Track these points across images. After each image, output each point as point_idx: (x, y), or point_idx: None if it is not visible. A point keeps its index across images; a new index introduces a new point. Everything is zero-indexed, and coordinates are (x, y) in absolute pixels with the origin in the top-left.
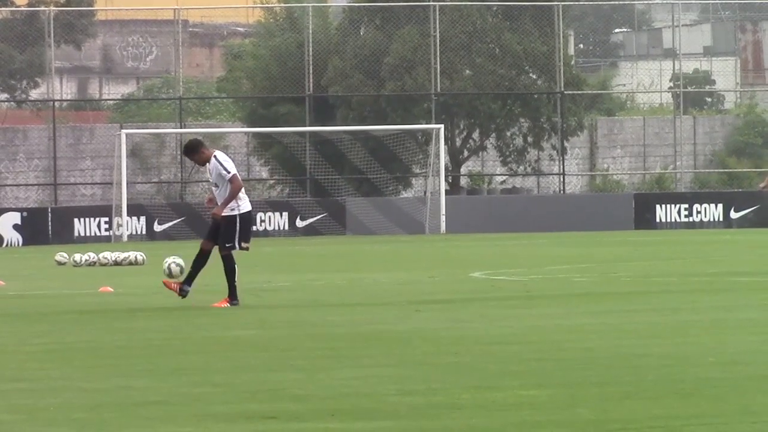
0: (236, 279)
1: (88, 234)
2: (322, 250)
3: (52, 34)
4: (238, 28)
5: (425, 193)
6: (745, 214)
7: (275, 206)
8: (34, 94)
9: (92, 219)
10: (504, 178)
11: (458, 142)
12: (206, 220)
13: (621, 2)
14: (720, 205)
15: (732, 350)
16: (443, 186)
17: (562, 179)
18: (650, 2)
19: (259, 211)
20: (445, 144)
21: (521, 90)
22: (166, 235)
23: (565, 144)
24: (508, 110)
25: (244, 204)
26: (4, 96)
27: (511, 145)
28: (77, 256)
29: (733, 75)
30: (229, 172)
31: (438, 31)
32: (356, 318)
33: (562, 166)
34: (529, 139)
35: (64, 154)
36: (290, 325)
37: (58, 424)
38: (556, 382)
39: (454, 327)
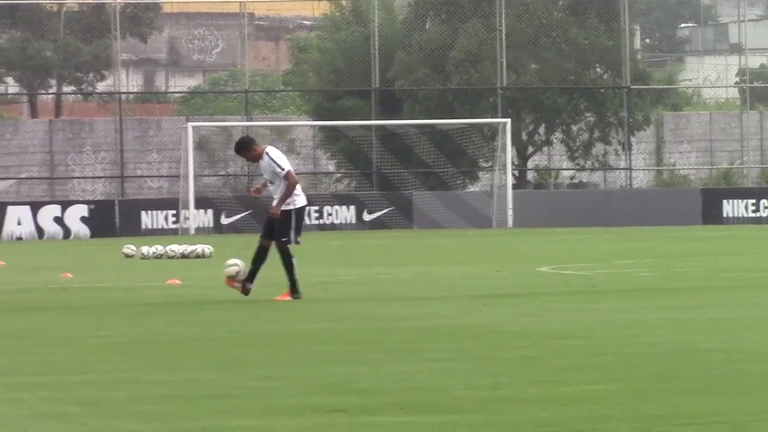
0: (295, 272)
1: (155, 226)
2: (388, 244)
3: (118, 27)
4: (304, 21)
5: (492, 187)
6: None
7: (342, 200)
8: (101, 86)
9: (159, 212)
10: (571, 172)
11: (524, 136)
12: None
13: None
14: None
15: None
16: (510, 180)
17: (629, 174)
18: None
19: (326, 205)
20: (511, 138)
21: (587, 84)
22: (233, 228)
23: (632, 139)
24: (574, 105)
25: (299, 199)
26: (70, 88)
27: (578, 140)
28: (145, 249)
29: None
30: (283, 169)
31: (504, 25)
32: (422, 312)
33: (628, 161)
34: (596, 133)
35: (131, 147)
36: (357, 318)
37: (123, 417)
38: (623, 377)
39: (521, 321)
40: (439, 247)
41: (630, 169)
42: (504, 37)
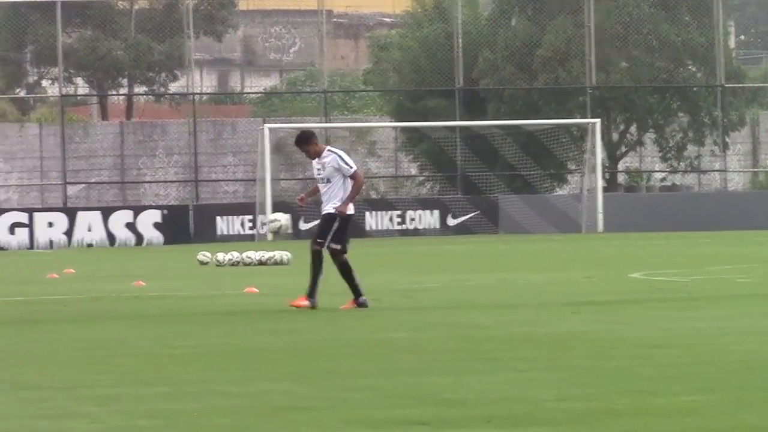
0: (318, 279)
1: (230, 232)
2: (473, 250)
3: (191, 25)
4: (385, 19)
5: (581, 190)
6: None
7: (426, 204)
8: (173, 87)
9: (235, 217)
10: (663, 174)
11: (615, 137)
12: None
13: None
14: None
15: None
16: (600, 183)
17: (723, 176)
18: None
19: (409, 209)
20: (601, 139)
21: (680, 83)
22: (311, 234)
23: (726, 139)
24: (666, 104)
25: (350, 206)
26: (142, 89)
27: (671, 141)
28: (220, 256)
29: None
30: (351, 167)
31: (593, 21)
32: (509, 320)
33: (723, 163)
34: (689, 134)
35: (205, 150)
36: (441, 327)
37: (199, 430)
38: (719, 387)
39: (612, 329)
40: (526, 252)
41: (725, 171)
42: (592, 34)
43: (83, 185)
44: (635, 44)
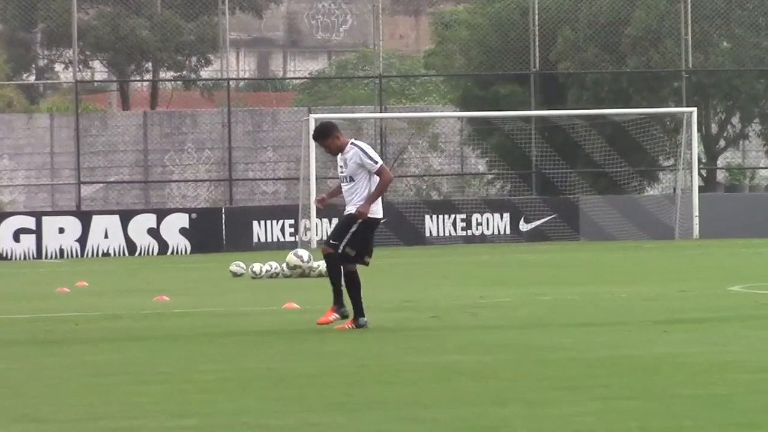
0: (336, 281)
1: (269, 239)
2: (550, 259)
3: (226, 1)
4: None
5: (674, 190)
6: None
7: (495, 206)
8: (206, 72)
9: (274, 221)
10: None
11: (714, 128)
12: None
13: None
14: None
15: None
16: (696, 181)
17: None
18: None
19: (475, 212)
20: (698, 131)
21: None
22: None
23: None
24: None
25: (376, 208)
26: (169, 74)
27: None
28: (257, 267)
29: None
30: (376, 162)
31: None
32: (591, 340)
33: None
34: None
35: (241, 144)
36: (512, 348)
37: None
38: None
39: (710, 352)
40: (611, 262)
41: None
42: (689, 10)
43: (100, 185)
44: (738, 22)
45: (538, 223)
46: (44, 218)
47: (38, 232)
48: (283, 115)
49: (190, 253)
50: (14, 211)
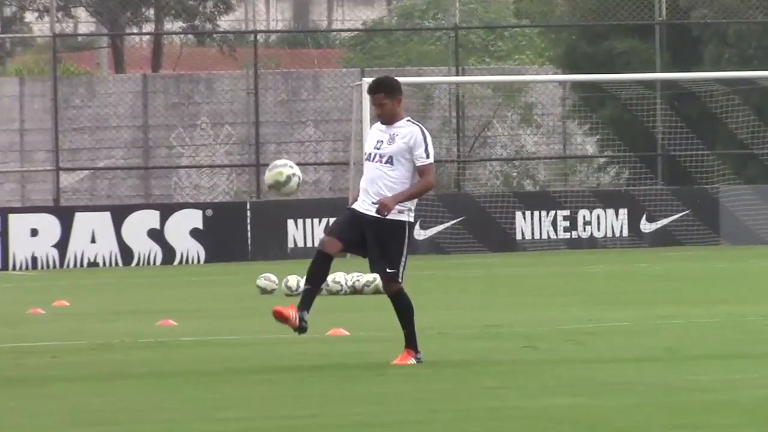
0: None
1: (308, 244)
2: (681, 269)
3: None
4: None
5: None
6: None
7: (608, 199)
8: (225, 22)
9: (316, 221)
10: None
11: None
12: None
13: None
14: None
15: None
16: None
17: None
18: None
19: (583, 207)
20: None
21: None
22: (432, 246)
23: None
24: None
25: (408, 210)
26: (177, 25)
27: None
28: (292, 280)
29: None
30: (429, 157)
31: None
32: (738, 377)
33: None
34: None
35: (272, 118)
36: (631, 389)
37: None
38: None
39: None
40: (762, 273)
41: None
42: None
43: (85, 172)
44: None
45: (665, 222)
46: (11, 216)
47: (3, 234)
48: (327, 80)
49: (205, 262)
50: None
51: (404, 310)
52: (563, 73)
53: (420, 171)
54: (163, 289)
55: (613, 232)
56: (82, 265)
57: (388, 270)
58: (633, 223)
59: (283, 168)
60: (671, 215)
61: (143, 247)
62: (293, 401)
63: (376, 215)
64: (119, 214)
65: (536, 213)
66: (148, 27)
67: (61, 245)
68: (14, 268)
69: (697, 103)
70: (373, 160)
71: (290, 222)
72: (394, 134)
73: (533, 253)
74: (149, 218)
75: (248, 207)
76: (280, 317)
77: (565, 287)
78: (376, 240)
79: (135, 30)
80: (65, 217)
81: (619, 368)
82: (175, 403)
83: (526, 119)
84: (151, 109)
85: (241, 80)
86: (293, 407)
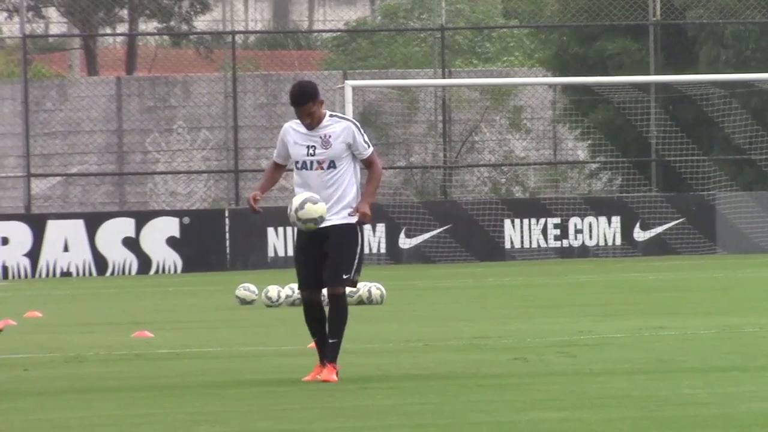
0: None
1: (289, 253)
2: (676, 279)
3: None
4: None
5: None
6: None
7: (600, 207)
8: (202, 23)
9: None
10: None
11: None
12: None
13: None
14: None
15: None
16: None
17: None
18: None
19: (574, 215)
20: None
21: None
22: (419, 255)
23: None
24: None
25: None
26: (152, 26)
27: None
28: (273, 290)
29: None
30: (369, 146)
31: None
32: (734, 390)
33: None
34: None
35: (251, 122)
36: (624, 402)
37: None
38: None
39: None
40: (760, 283)
41: None
42: None
43: (57, 179)
44: None
45: (659, 230)
46: None
47: None
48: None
49: (182, 271)
50: None
51: (341, 316)
52: (553, 76)
53: (367, 163)
54: (138, 299)
55: (605, 240)
56: (54, 274)
57: (344, 276)
58: (626, 231)
59: (310, 206)
60: (666, 223)
61: (118, 256)
62: (274, 415)
63: (328, 225)
64: (93, 222)
65: (526, 221)
66: (122, 28)
67: (33, 254)
68: None
69: (693, 107)
70: (310, 168)
71: (270, 230)
72: (326, 136)
73: (523, 263)
74: (124, 226)
75: (227, 214)
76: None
77: (556, 298)
78: (332, 246)
79: (108, 31)
80: (37, 225)
81: (611, 381)
82: (151, 418)
83: (515, 123)
84: (125, 112)
85: (218, 83)
86: (274, 421)
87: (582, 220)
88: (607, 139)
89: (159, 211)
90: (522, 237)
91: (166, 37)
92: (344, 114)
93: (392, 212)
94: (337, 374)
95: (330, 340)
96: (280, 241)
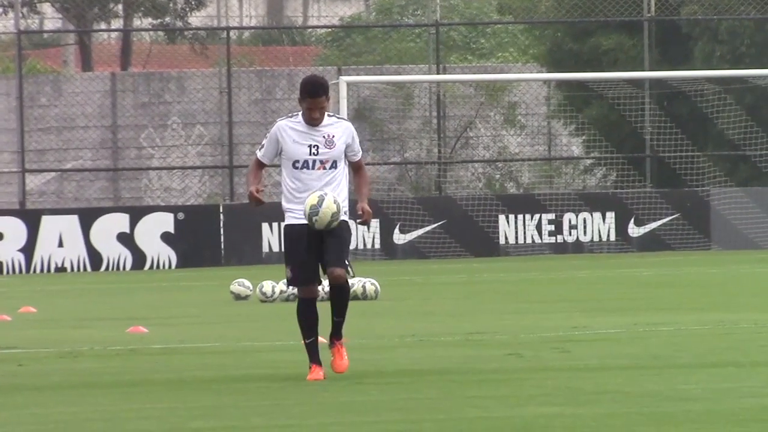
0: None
1: (284, 248)
2: (670, 275)
3: None
4: None
5: None
6: None
7: (595, 202)
8: (197, 19)
9: None
10: None
11: None
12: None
13: None
14: None
15: None
16: None
17: None
18: None
19: (568, 211)
20: None
21: None
22: (412, 250)
23: None
24: None
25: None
26: (147, 22)
27: None
28: (267, 286)
29: None
30: (360, 150)
31: None
32: (729, 387)
33: None
34: None
35: (246, 118)
36: (618, 398)
37: None
38: None
39: None
40: (754, 279)
41: None
42: None
43: (52, 174)
44: None
45: (654, 225)
46: None
47: None
48: (302, 78)
49: (176, 267)
50: None
51: (345, 295)
52: (548, 71)
53: (356, 167)
54: (133, 295)
55: (599, 236)
56: (49, 270)
57: (346, 261)
58: (621, 226)
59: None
60: (660, 219)
61: (112, 251)
62: (269, 410)
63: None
64: (87, 218)
65: (520, 216)
66: (117, 23)
67: (28, 249)
68: None
69: (687, 103)
70: (312, 168)
71: (265, 225)
72: (328, 135)
73: (517, 258)
74: (119, 221)
75: (221, 210)
76: (317, 380)
77: (550, 293)
78: (330, 238)
79: (103, 26)
80: (31, 220)
81: (605, 377)
82: (146, 413)
83: (510, 119)
84: (120, 108)
85: (213, 78)
86: (269, 417)
87: (576, 215)
88: (601, 135)
89: (153, 206)
90: (516, 232)
91: (160, 33)
92: (339, 110)
93: (386, 208)
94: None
95: (336, 318)
96: (274, 237)
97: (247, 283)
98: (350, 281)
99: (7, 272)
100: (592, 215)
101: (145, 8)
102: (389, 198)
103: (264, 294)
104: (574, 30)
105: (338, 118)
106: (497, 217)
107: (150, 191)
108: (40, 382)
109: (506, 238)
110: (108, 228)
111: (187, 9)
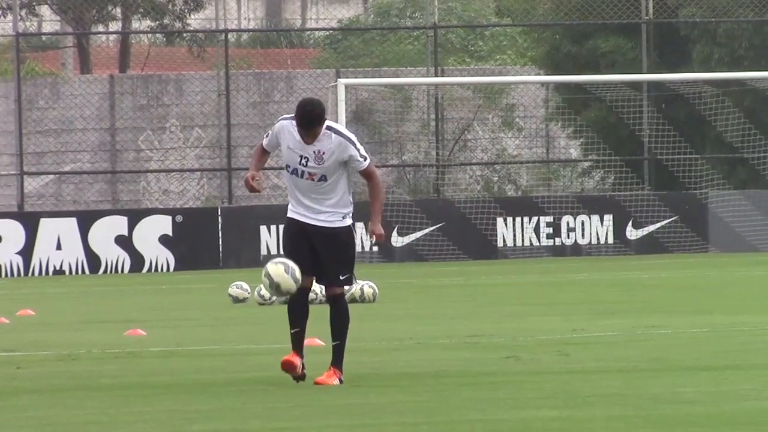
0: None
1: (282, 251)
2: (668, 278)
3: None
4: None
5: None
6: None
7: (593, 205)
8: (195, 21)
9: None
10: None
11: None
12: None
13: None
14: None
15: None
16: None
17: None
18: None
19: (566, 213)
20: None
21: None
22: (410, 253)
23: None
24: None
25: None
26: (145, 24)
27: None
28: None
29: None
30: (365, 158)
31: None
32: (726, 389)
33: None
34: None
35: (244, 120)
36: (616, 400)
37: None
38: None
39: None
40: (752, 281)
41: None
42: None
43: (50, 177)
44: None
45: (652, 228)
46: None
47: None
48: (301, 81)
49: (175, 269)
50: None
51: (343, 317)
52: (546, 74)
53: (365, 175)
54: (131, 297)
55: (598, 239)
56: (47, 272)
57: (341, 277)
58: (619, 229)
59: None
60: (658, 221)
61: (111, 254)
62: (267, 413)
63: (321, 225)
64: (86, 220)
65: (518, 219)
66: (115, 26)
67: (26, 252)
68: None
69: (686, 105)
70: (301, 177)
71: (263, 228)
72: (319, 152)
73: (515, 261)
74: (117, 224)
75: (219, 213)
76: (289, 366)
77: (549, 296)
78: (328, 249)
79: (101, 29)
80: (30, 223)
81: (604, 380)
82: (144, 416)
83: (508, 122)
84: (118, 111)
85: (211, 81)
86: (267, 419)
87: (574, 218)
88: (599, 138)
89: (152, 209)
90: (514, 235)
91: (159, 36)
92: (337, 112)
93: (385, 211)
94: (340, 380)
95: (334, 342)
96: (273, 239)
97: (246, 285)
98: (357, 286)
99: (6, 275)
100: (590, 218)
101: (143, 10)
102: (387, 201)
103: (262, 297)
104: (572, 32)
105: (336, 132)
106: (495, 219)
107: (148, 194)
108: (38, 384)
109: (504, 240)
110: (106, 230)
111: (186, 11)
